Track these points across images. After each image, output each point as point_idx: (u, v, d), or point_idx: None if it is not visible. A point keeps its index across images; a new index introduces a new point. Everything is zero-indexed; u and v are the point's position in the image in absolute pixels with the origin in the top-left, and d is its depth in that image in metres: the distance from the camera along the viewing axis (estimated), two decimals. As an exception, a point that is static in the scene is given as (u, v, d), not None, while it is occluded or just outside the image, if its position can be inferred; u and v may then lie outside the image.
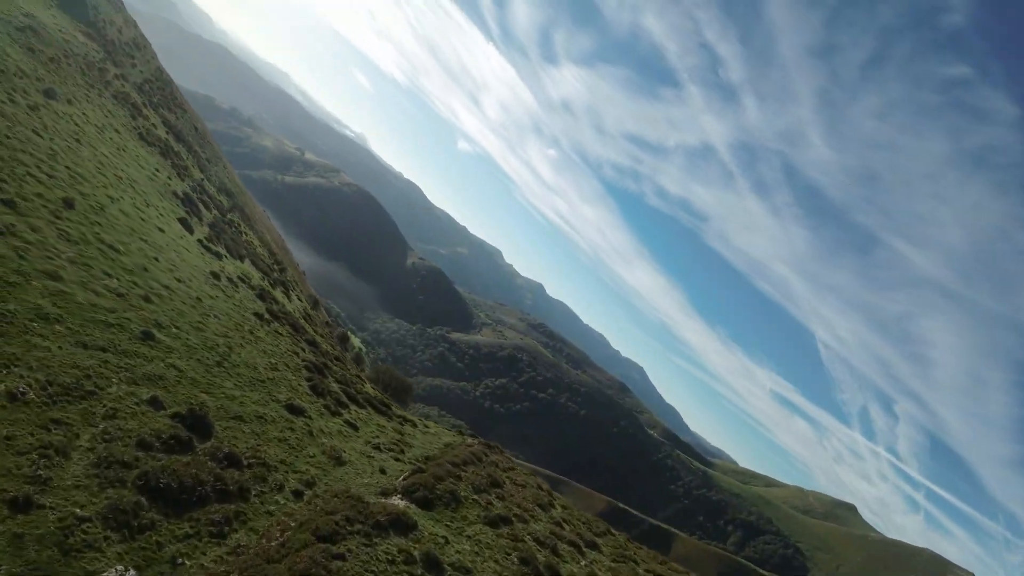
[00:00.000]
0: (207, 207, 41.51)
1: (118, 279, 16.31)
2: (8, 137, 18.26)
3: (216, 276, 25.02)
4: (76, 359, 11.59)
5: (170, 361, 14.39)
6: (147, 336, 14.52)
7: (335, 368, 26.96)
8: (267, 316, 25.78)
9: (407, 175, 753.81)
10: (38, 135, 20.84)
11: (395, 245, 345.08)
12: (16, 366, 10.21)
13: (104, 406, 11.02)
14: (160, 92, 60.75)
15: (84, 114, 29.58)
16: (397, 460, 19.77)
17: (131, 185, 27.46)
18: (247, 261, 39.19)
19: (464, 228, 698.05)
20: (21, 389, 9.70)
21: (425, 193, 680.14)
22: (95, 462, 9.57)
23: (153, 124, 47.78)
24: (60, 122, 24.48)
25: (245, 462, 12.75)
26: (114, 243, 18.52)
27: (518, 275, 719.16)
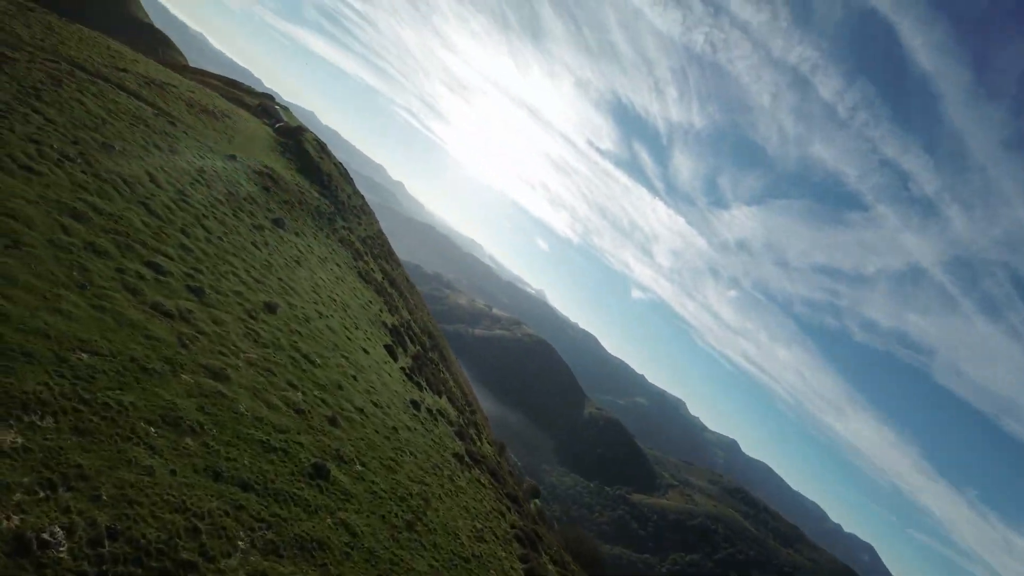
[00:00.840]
0: (412, 341, 40.62)
1: (304, 392, 12.37)
2: (222, 239, 17.21)
3: (416, 405, 20.94)
4: (191, 496, 6.93)
5: (343, 515, 9.18)
6: (319, 472, 9.68)
7: (547, 539, 19.90)
8: (467, 459, 20.45)
9: (583, 326, 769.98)
10: (256, 248, 20.12)
11: (572, 394, 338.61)
12: (75, 488, 5.67)
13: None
14: (380, 247, 67.49)
15: (309, 246, 30.54)
16: None
17: (343, 308, 26.30)
18: (444, 397, 35.96)
19: (642, 377, 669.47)
20: (47, 536, 4.94)
21: (601, 343, 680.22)
22: None
23: (371, 268, 51.20)
24: (283, 244, 24.50)
25: None
26: (311, 354, 15.34)
27: (707, 429, 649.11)
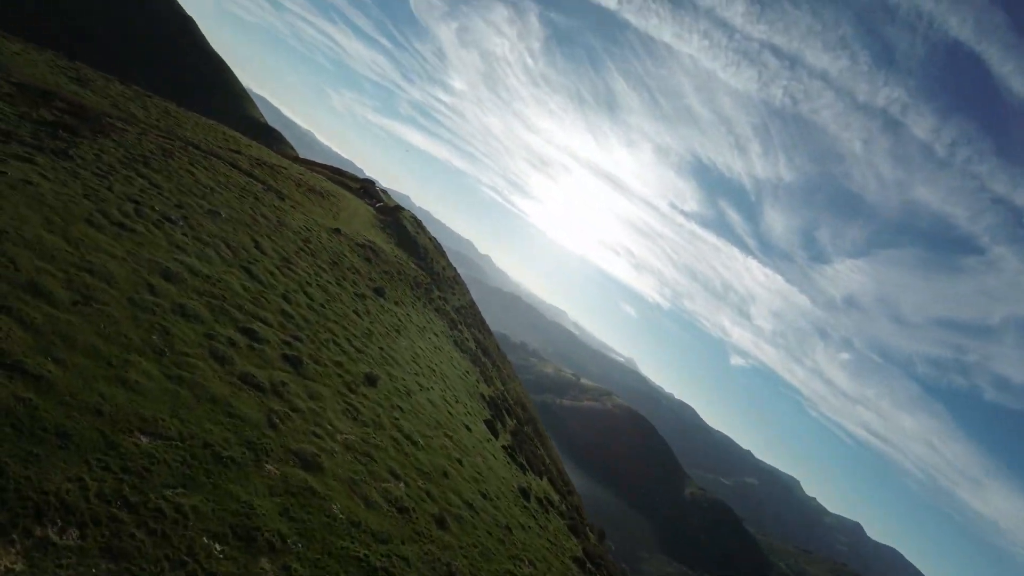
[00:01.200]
0: (509, 414, 37.99)
1: (407, 483, 10.07)
2: (323, 306, 16.01)
3: (525, 494, 18.00)
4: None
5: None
6: (432, 607, 7.11)
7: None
8: (589, 565, 16.91)
9: (679, 396, 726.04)
10: (358, 315, 18.90)
11: (671, 473, 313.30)
12: None
13: None
14: (472, 316, 66.92)
15: (408, 315, 29.53)
16: None
17: (443, 379, 24.46)
18: (545, 479, 32.50)
19: (749, 453, 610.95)
20: None
21: (700, 414, 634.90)
22: None
23: (466, 337, 50.09)
24: (384, 313, 23.37)
25: None
26: (413, 433, 13.20)
27: (826, 512, 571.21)
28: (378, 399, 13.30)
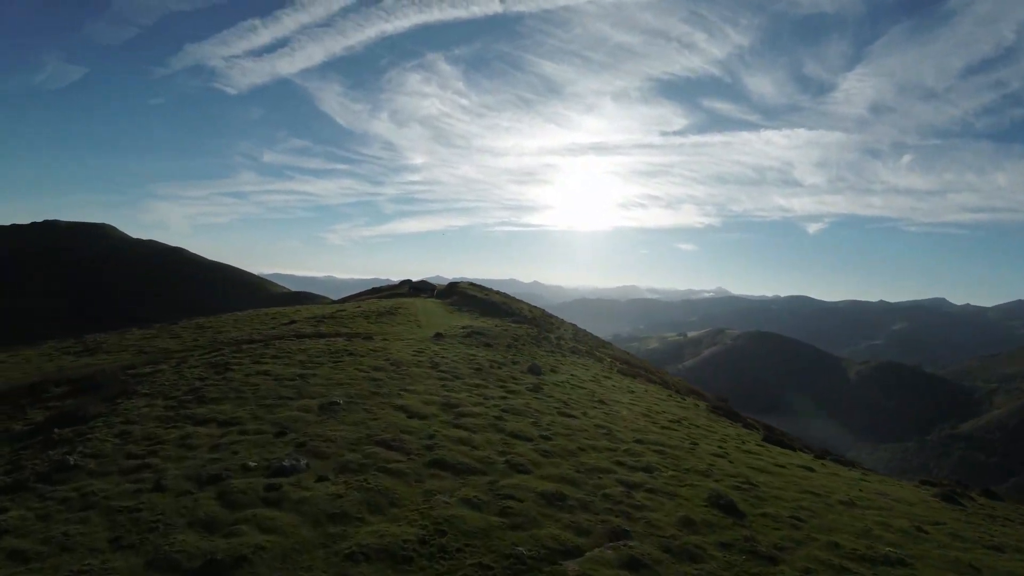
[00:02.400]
0: (733, 416, 30.62)
1: None
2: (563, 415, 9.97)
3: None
4: None
5: None
6: None
7: None
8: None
9: (784, 294, 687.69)
10: (528, 393, 12.83)
11: (827, 366, 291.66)
12: None
13: None
14: (585, 339, 60.16)
15: (574, 375, 23.25)
16: None
17: (689, 424, 17.85)
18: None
19: (881, 303, 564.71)
20: None
21: (814, 297, 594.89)
22: None
23: (610, 360, 43.58)
24: (577, 388, 17.09)
25: None
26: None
27: (986, 309, 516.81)
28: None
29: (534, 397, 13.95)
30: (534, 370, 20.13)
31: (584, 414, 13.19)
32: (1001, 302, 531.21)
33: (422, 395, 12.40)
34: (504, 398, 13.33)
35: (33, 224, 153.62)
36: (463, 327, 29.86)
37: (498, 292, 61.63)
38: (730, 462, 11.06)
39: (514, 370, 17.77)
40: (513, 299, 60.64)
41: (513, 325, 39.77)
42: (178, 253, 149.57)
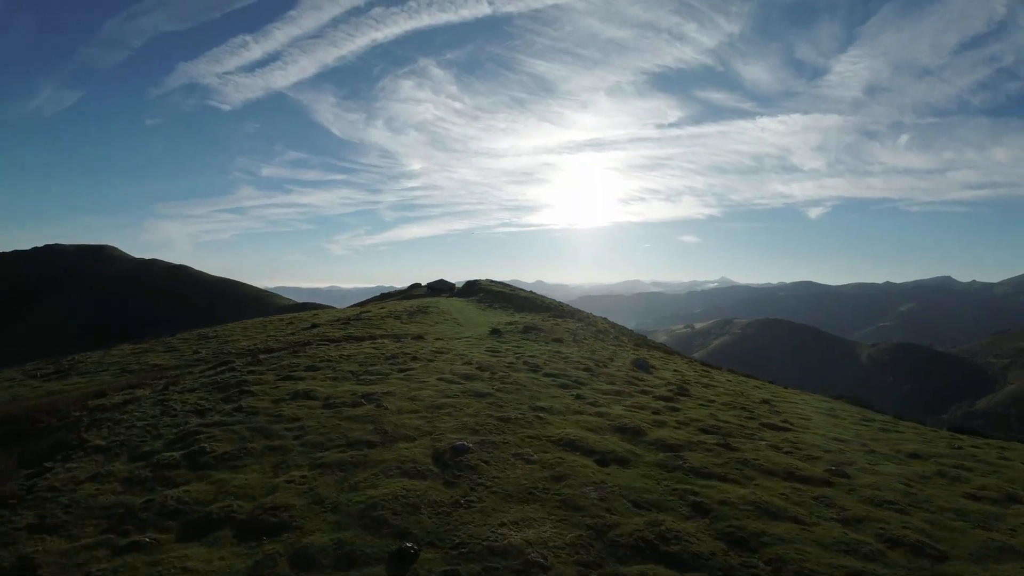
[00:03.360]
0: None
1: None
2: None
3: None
4: None
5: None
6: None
7: None
8: None
9: (789, 280, 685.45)
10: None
11: (837, 353, 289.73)
12: None
13: None
14: (619, 331, 58.75)
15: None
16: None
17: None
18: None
19: (887, 284, 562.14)
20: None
21: (819, 282, 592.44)
22: None
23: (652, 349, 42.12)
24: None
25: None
26: None
27: (992, 285, 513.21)
28: None
29: (696, 404, 11.73)
30: (641, 366, 18.66)
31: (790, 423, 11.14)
32: (1007, 277, 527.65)
33: (570, 416, 8.91)
34: (669, 410, 10.30)
35: (35, 249, 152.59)
36: (510, 323, 28.40)
37: (520, 288, 60.21)
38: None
39: (614, 368, 16.09)
40: (538, 295, 59.21)
41: (558, 320, 38.28)
42: (183, 271, 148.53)
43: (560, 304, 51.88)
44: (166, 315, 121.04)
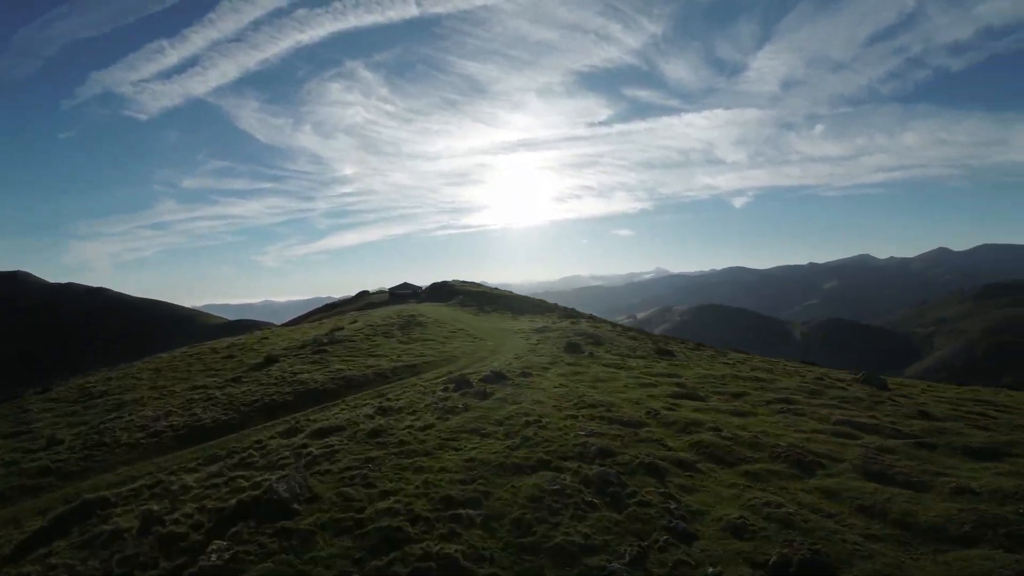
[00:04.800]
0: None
1: None
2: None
3: None
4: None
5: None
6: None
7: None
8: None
9: (719, 268, 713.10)
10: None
11: (772, 333, 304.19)
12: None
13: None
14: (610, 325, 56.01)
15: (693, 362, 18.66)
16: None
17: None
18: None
19: (811, 265, 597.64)
20: None
21: (747, 267, 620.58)
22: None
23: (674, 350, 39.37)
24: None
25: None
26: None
27: (909, 261, 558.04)
28: None
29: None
30: (667, 353, 15.41)
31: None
32: (922, 251, 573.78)
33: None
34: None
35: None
36: (535, 330, 24.39)
37: (495, 288, 56.23)
38: None
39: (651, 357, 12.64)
40: (517, 295, 55.43)
41: (570, 320, 34.56)
42: (101, 294, 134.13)
43: (542, 301, 48.40)
44: (80, 347, 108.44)
